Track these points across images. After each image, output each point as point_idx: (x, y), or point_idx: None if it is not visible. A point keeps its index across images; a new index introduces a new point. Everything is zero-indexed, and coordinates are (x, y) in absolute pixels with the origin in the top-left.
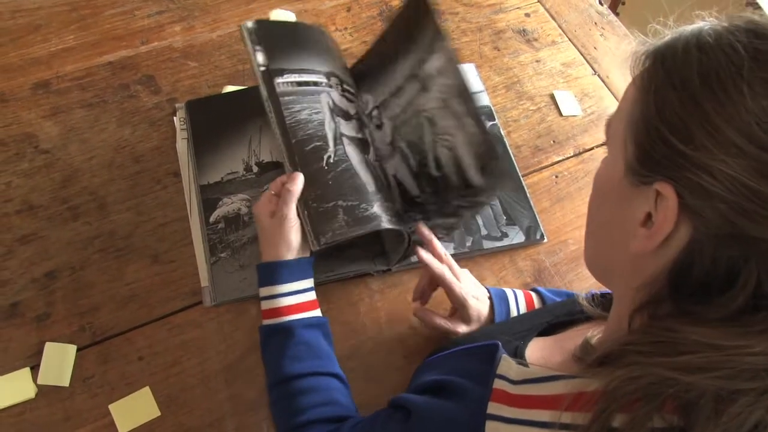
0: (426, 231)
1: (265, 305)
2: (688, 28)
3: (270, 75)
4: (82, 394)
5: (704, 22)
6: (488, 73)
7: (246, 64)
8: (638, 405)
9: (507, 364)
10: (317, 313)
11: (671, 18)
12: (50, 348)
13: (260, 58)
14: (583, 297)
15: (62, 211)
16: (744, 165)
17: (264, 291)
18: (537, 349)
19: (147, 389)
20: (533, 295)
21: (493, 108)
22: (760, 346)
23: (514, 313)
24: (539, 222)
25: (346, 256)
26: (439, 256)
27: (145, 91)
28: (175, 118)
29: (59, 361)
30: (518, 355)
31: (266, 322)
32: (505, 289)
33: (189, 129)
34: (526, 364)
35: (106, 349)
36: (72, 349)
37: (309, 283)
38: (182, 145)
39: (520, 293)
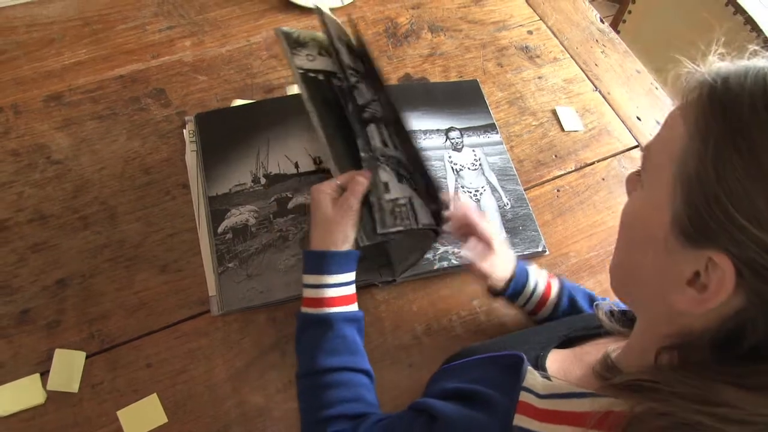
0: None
1: (309, 293)
2: (751, 67)
3: (307, 75)
4: (91, 400)
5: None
6: (491, 89)
7: (255, 78)
8: None
9: (532, 377)
10: (355, 307)
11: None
12: (60, 354)
13: (298, 60)
14: (603, 311)
15: (73, 220)
16: None
17: (310, 279)
18: (556, 361)
19: (154, 396)
20: (553, 287)
21: (496, 123)
22: None
23: (531, 287)
24: (541, 235)
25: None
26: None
27: (155, 104)
28: (184, 130)
29: (68, 368)
30: (539, 365)
31: (306, 310)
32: (531, 268)
33: (198, 141)
34: (549, 378)
35: (115, 356)
36: (81, 355)
37: (353, 276)
38: (191, 158)
39: (542, 280)
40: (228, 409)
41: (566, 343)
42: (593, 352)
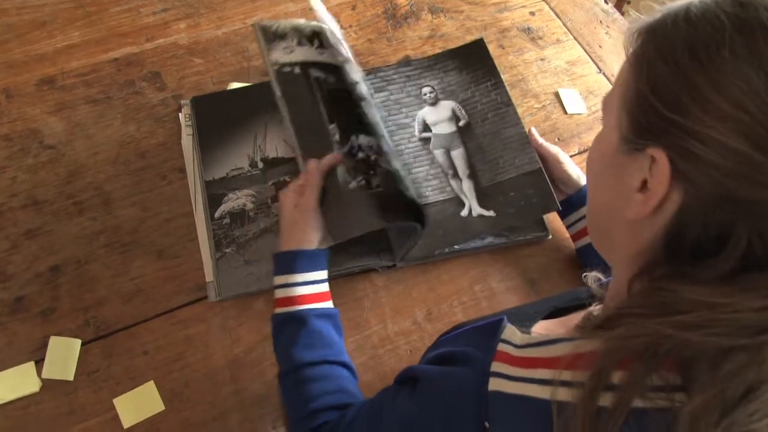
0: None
1: (280, 293)
2: (678, 2)
3: (281, 71)
4: (87, 388)
5: None
6: None
7: (251, 61)
8: (636, 363)
9: (511, 331)
10: (330, 304)
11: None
12: (55, 342)
13: (275, 55)
14: (592, 278)
15: (67, 206)
16: (732, 130)
17: (279, 279)
18: (542, 328)
19: (151, 383)
20: None
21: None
22: (748, 303)
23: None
24: (544, 219)
25: (353, 251)
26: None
27: (151, 88)
28: (180, 114)
29: (64, 356)
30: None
31: (279, 310)
32: None
33: (194, 125)
34: (529, 332)
35: (111, 343)
36: (76, 343)
37: (324, 274)
38: (187, 142)
39: None
40: (226, 396)
41: (555, 315)
42: (580, 317)
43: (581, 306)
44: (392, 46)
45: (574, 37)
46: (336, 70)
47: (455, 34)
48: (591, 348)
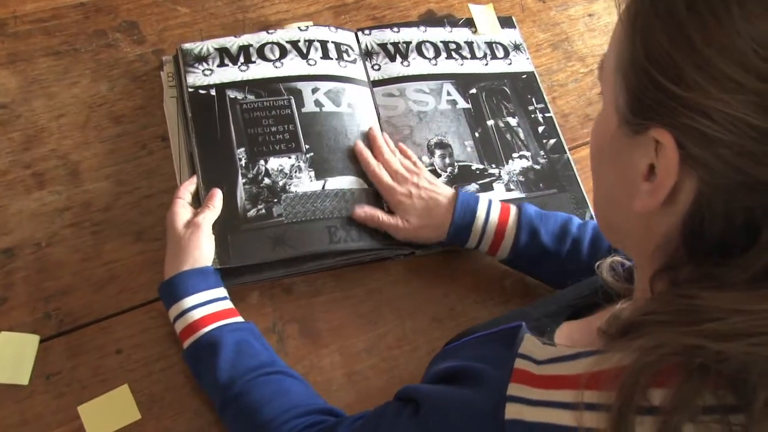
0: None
1: (179, 326)
2: None
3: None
4: (45, 394)
5: None
6: (531, 29)
7: (247, 12)
8: (677, 379)
9: (531, 343)
10: (240, 319)
11: None
12: (6, 338)
13: (191, 78)
14: (606, 271)
15: (24, 177)
16: (743, 101)
17: (173, 312)
18: (566, 332)
19: (125, 388)
20: (511, 208)
21: (536, 71)
22: None
23: (481, 217)
24: (588, 202)
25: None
26: (378, 148)
27: (126, 40)
28: (162, 72)
29: (17, 355)
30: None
31: (186, 343)
32: (480, 195)
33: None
34: (553, 344)
35: (77, 340)
36: (33, 339)
37: (222, 292)
38: (171, 105)
39: (495, 210)
40: (213, 403)
41: (579, 313)
42: (606, 316)
43: (609, 301)
44: None
45: None
46: (263, 84)
47: None
48: (615, 362)
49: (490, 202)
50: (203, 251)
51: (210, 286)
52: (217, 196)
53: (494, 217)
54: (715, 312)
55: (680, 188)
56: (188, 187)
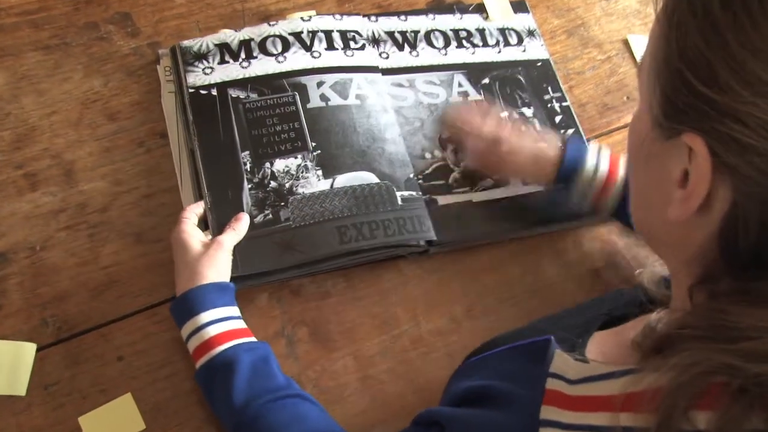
0: None
1: (192, 344)
2: None
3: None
4: (43, 405)
5: None
6: (545, 15)
7: (246, 2)
8: (724, 401)
9: (562, 361)
10: (254, 339)
11: None
12: (1, 348)
13: (191, 78)
14: (647, 278)
15: (16, 178)
16: None
17: (187, 329)
18: (597, 345)
19: (128, 396)
20: (620, 166)
21: (551, 59)
22: None
23: (591, 162)
24: None
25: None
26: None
27: (120, 33)
28: (158, 66)
29: (13, 365)
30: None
31: (200, 363)
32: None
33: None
34: (585, 360)
35: (76, 347)
36: (30, 348)
37: (236, 311)
38: (169, 100)
39: (605, 159)
40: None
41: (611, 324)
42: (639, 326)
43: (642, 311)
44: None
45: None
46: (266, 81)
47: None
48: (651, 382)
49: (597, 150)
50: (221, 270)
51: (226, 303)
52: (244, 220)
53: (603, 168)
54: (751, 330)
55: (714, 197)
56: (195, 209)
